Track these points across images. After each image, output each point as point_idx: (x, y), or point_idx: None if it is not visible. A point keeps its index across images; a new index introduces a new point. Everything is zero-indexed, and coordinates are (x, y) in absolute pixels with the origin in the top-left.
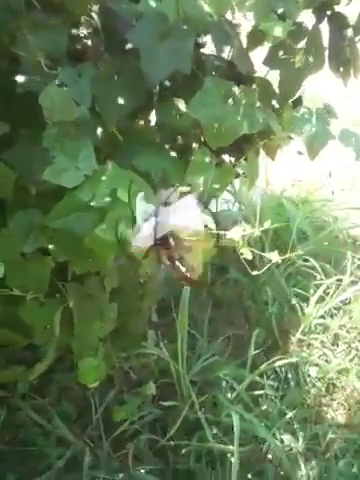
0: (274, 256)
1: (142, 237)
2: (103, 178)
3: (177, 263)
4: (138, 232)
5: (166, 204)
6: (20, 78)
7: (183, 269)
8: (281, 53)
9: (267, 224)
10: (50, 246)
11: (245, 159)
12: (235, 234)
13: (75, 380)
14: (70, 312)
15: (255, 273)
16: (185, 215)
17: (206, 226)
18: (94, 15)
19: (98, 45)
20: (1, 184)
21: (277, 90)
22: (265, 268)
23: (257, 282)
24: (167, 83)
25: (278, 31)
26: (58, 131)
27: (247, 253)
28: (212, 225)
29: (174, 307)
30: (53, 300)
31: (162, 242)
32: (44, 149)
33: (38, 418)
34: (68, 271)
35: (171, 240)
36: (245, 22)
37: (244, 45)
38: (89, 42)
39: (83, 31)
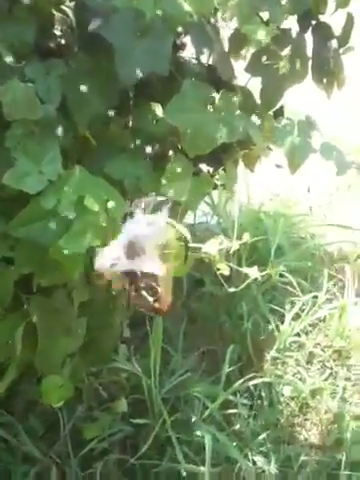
0: (253, 272)
1: (106, 260)
2: (69, 184)
3: (143, 293)
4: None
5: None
6: None
7: (150, 299)
8: (264, 59)
9: (246, 237)
10: (13, 256)
11: (223, 169)
12: (211, 247)
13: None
14: (33, 327)
15: (232, 290)
16: (155, 229)
17: (181, 239)
18: (68, 11)
19: (72, 43)
20: None
21: (258, 100)
22: (243, 285)
23: (233, 297)
24: (142, 86)
25: (261, 34)
26: (24, 131)
27: (224, 268)
28: (188, 237)
29: (148, 320)
30: (15, 314)
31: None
32: (6, 150)
33: (3, 433)
34: (33, 283)
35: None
36: (225, 26)
37: (225, 49)
38: (63, 40)
39: (58, 28)
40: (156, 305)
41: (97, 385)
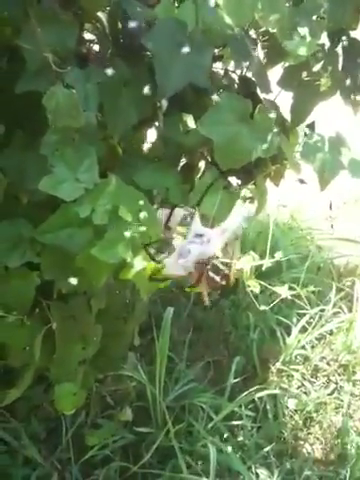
0: (283, 291)
1: (186, 262)
2: (105, 193)
3: (212, 275)
4: (181, 257)
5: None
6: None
7: (217, 278)
8: (303, 74)
9: (278, 255)
10: (38, 262)
11: (254, 183)
12: (245, 264)
13: (46, 398)
14: (50, 333)
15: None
16: (217, 244)
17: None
18: (103, 18)
19: (105, 49)
20: None
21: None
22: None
23: (239, 307)
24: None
25: (303, 50)
26: (59, 138)
27: (254, 286)
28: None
29: (154, 327)
30: (35, 320)
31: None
32: (40, 156)
33: (5, 436)
34: (52, 289)
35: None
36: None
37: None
38: (94, 46)
39: (88, 35)
40: (223, 282)
41: (104, 392)
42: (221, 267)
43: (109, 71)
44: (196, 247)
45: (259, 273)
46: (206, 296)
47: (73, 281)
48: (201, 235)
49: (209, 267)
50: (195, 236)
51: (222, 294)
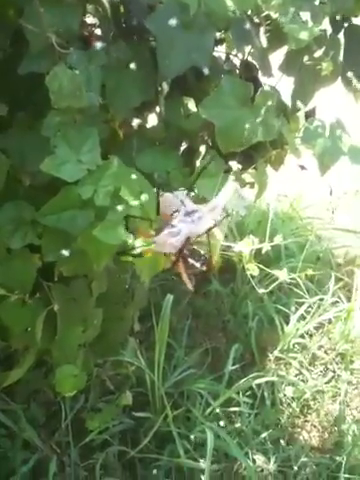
0: (282, 274)
1: (176, 241)
2: (106, 174)
3: (190, 260)
4: (171, 236)
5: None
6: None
7: (197, 264)
8: (305, 59)
9: (278, 239)
10: (40, 244)
11: (254, 168)
12: (245, 248)
13: (46, 382)
14: (51, 315)
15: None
16: (209, 219)
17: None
18: (105, 0)
19: (107, 32)
20: None
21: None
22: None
23: (238, 295)
24: (177, 79)
25: (304, 35)
26: (62, 119)
27: (253, 269)
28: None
29: (154, 314)
30: (37, 302)
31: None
32: (42, 138)
33: (4, 419)
34: (53, 271)
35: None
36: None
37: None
38: (96, 29)
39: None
40: (203, 268)
41: (104, 377)
42: (202, 252)
43: (111, 53)
44: (186, 226)
45: (258, 261)
46: (187, 280)
47: (66, 253)
48: (191, 213)
49: (186, 252)
50: (186, 214)
51: (204, 279)
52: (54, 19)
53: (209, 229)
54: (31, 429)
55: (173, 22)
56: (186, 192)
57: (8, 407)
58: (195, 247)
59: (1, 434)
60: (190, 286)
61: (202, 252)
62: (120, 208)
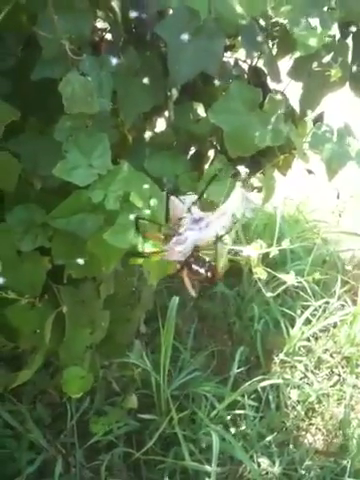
0: (290, 278)
1: (184, 249)
2: (117, 179)
3: (194, 267)
4: (179, 244)
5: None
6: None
7: (202, 271)
8: (314, 65)
9: (285, 244)
10: (50, 246)
11: (262, 173)
12: (252, 251)
13: (52, 383)
14: (60, 317)
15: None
16: (217, 227)
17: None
18: (115, 6)
19: (118, 38)
20: (4, 175)
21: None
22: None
23: (244, 298)
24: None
25: (313, 41)
26: (73, 124)
27: (261, 273)
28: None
29: (160, 316)
30: (46, 304)
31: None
32: (53, 143)
33: (10, 420)
34: (63, 274)
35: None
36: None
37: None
38: (106, 34)
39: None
40: (208, 274)
41: (111, 379)
42: (207, 259)
43: (122, 60)
44: (193, 233)
45: (264, 264)
46: (190, 287)
47: (80, 261)
48: (199, 220)
49: (192, 259)
50: (193, 222)
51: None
52: (67, 25)
53: (219, 237)
54: (37, 430)
55: (183, 29)
56: (194, 199)
57: (14, 408)
58: (200, 254)
59: (7, 435)
60: (193, 293)
61: (207, 259)
62: (130, 212)
